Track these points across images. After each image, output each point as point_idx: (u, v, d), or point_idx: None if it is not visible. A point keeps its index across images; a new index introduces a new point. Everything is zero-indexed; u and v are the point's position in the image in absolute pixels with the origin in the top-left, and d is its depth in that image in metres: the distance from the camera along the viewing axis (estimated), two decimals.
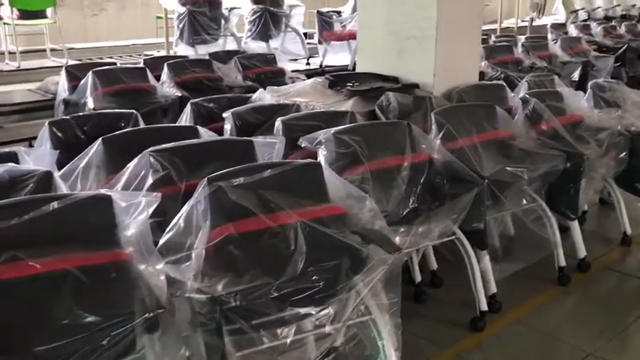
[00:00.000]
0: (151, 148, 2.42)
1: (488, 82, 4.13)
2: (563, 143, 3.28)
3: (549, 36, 9.45)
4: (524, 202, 3.17)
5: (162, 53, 7.08)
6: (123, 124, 3.21)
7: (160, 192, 2.28)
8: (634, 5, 11.73)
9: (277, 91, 3.83)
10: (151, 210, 2.00)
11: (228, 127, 3.17)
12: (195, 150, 2.53)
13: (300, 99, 3.74)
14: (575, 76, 6.52)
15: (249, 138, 2.68)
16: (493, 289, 2.96)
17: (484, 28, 11.44)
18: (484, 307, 2.85)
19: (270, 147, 2.85)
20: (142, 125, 3.20)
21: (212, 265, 1.89)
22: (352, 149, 2.66)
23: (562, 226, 3.37)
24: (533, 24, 11.20)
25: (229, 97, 3.67)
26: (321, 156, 2.68)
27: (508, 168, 2.97)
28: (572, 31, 9.35)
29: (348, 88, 3.68)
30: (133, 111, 3.24)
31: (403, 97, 3.51)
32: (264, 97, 3.65)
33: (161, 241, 1.99)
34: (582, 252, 3.39)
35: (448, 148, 2.98)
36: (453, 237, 2.82)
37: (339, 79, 3.91)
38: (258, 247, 1.97)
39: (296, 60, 7.33)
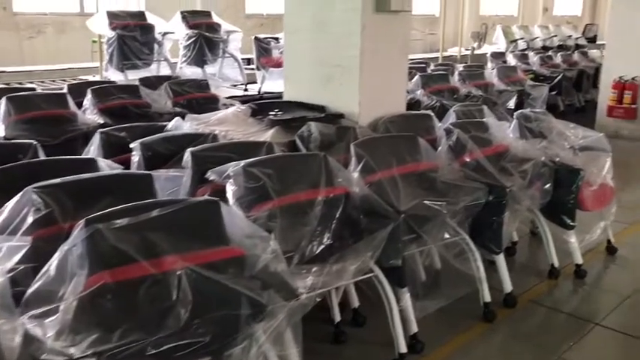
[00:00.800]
0: (35, 184, 2.21)
1: (416, 112, 4.07)
2: (485, 175, 3.21)
3: (489, 64, 9.66)
4: (447, 235, 3.07)
5: (98, 78, 6.84)
6: (21, 156, 2.97)
7: (40, 233, 2.09)
8: (570, 36, 12.14)
9: (197, 119, 3.66)
10: (17, 257, 1.80)
11: (136, 158, 2.98)
12: (86, 186, 2.32)
13: (220, 128, 3.58)
14: (511, 104, 6.58)
15: (148, 172, 2.49)
16: (414, 328, 2.83)
17: (429, 56, 11.68)
18: (403, 348, 2.71)
19: (174, 181, 2.68)
20: (42, 157, 2.97)
21: (82, 320, 1.68)
22: (262, 183, 2.50)
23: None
24: (475, 52, 11.44)
25: (144, 126, 3.48)
26: (229, 191, 2.51)
27: (426, 202, 2.86)
28: (511, 60, 9.56)
29: (270, 117, 3.54)
30: (32, 141, 3.00)
31: (326, 127, 3.40)
32: (181, 125, 3.47)
33: (28, 291, 1.78)
34: (508, 286, 3.31)
35: (367, 181, 2.87)
36: (371, 274, 2.69)
37: (262, 107, 3.77)
38: (136, 298, 1.78)
39: (235, 86, 7.20)
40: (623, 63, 7.43)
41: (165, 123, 3.62)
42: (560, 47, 11.43)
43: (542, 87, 7.13)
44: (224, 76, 6.94)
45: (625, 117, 7.36)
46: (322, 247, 2.59)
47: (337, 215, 2.65)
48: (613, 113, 7.43)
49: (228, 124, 3.64)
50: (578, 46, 11.88)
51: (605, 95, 7.60)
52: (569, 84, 9.00)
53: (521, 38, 11.29)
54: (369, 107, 3.74)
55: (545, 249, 3.67)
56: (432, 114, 3.94)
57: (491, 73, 7.11)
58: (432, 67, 7.68)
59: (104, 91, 4.81)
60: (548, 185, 3.49)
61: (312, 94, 3.94)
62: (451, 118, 4.09)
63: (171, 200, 2.12)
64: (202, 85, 5.52)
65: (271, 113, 3.66)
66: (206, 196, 2.27)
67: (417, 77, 6.24)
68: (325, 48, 3.82)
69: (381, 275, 2.69)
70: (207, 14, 6.92)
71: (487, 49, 11.94)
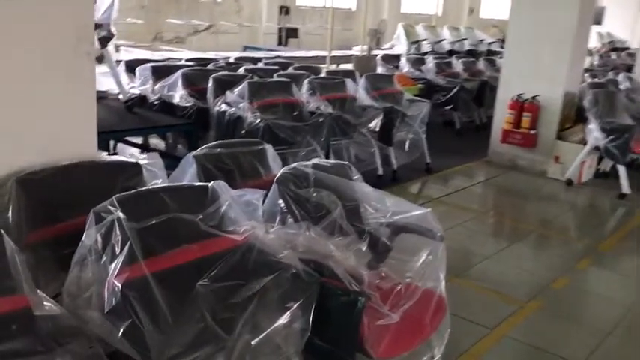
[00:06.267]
0: None
1: (109, 160, 2.30)
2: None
3: (379, 69, 8.14)
4: None
5: None
6: None
7: None
8: (482, 40, 10.76)
9: None
10: None
11: None
12: None
13: None
14: (373, 125, 5.02)
15: None
16: None
17: (335, 54, 9.98)
18: None
19: None
20: None
21: None
22: None
23: None
24: (372, 53, 9.91)
25: None
26: None
27: None
28: (404, 64, 8.07)
29: None
30: None
31: None
32: None
33: None
34: None
35: None
36: None
37: None
38: None
39: None
40: (522, 77, 5.99)
41: None
42: (470, 53, 10.03)
43: (421, 103, 5.59)
44: None
45: (522, 144, 5.91)
46: None
47: None
48: (508, 139, 5.97)
49: None
50: (490, 53, 10.53)
51: (501, 116, 6.14)
52: (468, 97, 7.52)
53: (425, 40, 9.81)
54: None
55: None
56: (142, 162, 2.22)
57: (356, 83, 5.50)
58: (290, 70, 6.02)
59: None
60: (304, 319, 1.85)
61: None
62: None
63: None
64: None
65: None
66: None
67: (243, 85, 4.56)
68: None
69: None
70: None
71: (399, 49, 10.47)
